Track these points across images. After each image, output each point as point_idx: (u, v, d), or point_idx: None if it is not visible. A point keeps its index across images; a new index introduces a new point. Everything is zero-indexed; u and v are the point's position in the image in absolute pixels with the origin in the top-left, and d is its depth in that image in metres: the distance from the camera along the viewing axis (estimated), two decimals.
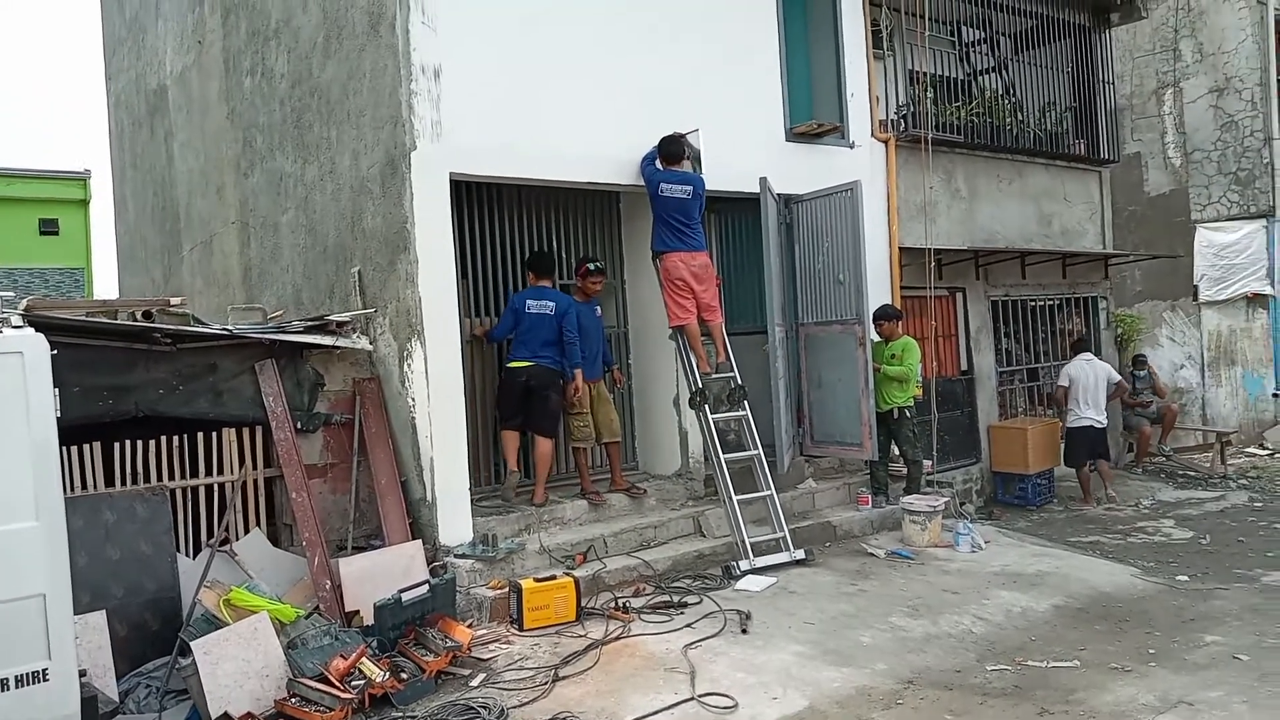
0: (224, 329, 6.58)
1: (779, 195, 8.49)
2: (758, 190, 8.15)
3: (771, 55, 8.78)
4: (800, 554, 7.45)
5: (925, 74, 10.24)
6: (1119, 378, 11.19)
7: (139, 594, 5.78)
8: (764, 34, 8.73)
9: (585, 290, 7.88)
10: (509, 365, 7.53)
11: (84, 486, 6.00)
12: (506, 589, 6.38)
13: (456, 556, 6.66)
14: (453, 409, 6.88)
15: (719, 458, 7.56)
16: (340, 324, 6.98)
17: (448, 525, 6.77)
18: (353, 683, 5.05)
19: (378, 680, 5.09)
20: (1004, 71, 11.65)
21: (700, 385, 7.75)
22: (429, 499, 6.80)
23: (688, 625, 6.11)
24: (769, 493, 7.67)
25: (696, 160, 7.93)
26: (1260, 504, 10.50)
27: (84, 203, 22.86)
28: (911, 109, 10.28)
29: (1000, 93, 11.40)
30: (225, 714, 4.90)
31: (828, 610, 6.43)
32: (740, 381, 7.98)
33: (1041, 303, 12.04)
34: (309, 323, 7.00)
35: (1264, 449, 13.87)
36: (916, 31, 10.17)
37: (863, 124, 9.54)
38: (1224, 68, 14.71)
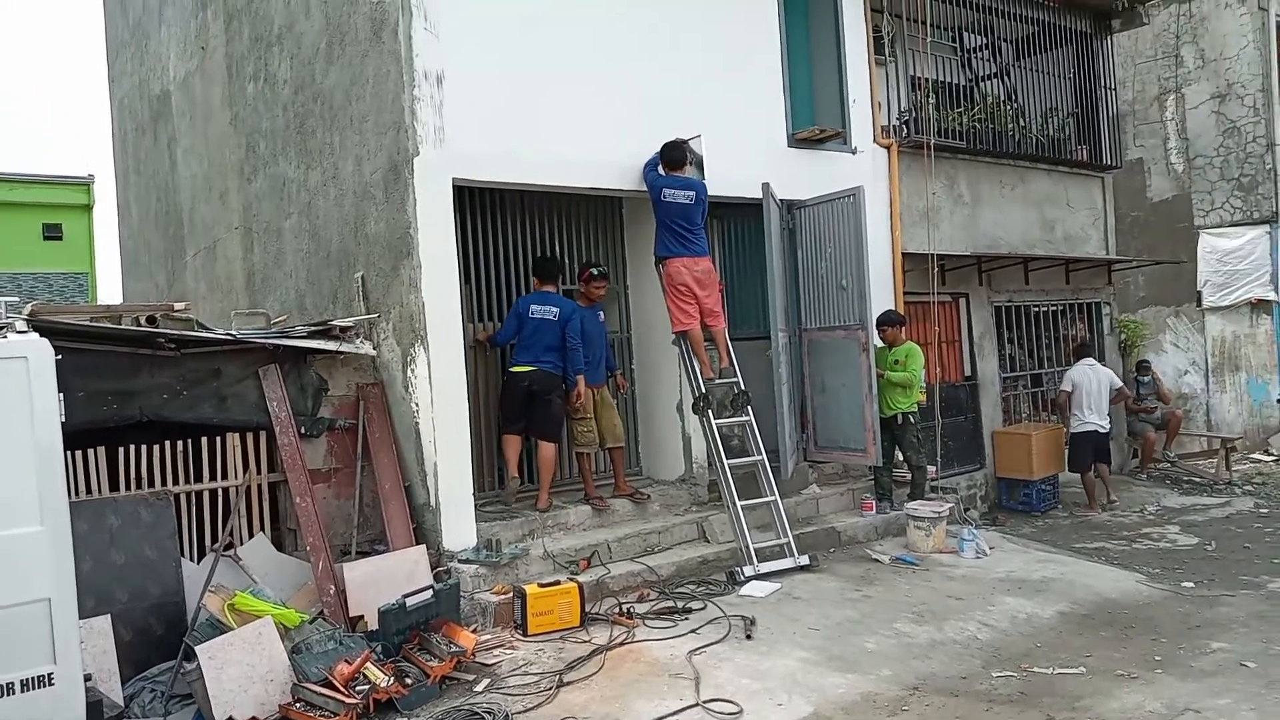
0: (228, 334, 6.59)
1: (781, 201, 8.50)
2: (760, 196, 8.16)
3: (773, 61, 8.79)
4: (804, 560, 7.44)
5: (927, 80, 10.25)
6: (1121, 383, 11.18)
7: (144, 598, 5.77)
8: (765, 40, 8.74)
9: (588, 295, 7.89)
10: (511, 369, 7.54)
11: (89, 491, 5.99)
12: (510, 594, 6.37)
13: (460, 561, 6.65)
14: (456, 414, 6.87)
15: (723, 463, 7.55)
16: (344, 329, 6.98)
17: (451, 530, 6.77)
18: (357, 688, 5.04)
19: (382, 685, 5.08)
20: (1006, 77, 11.67)
21: (704, 390, 7.74)
22: (433, 504, 6.80)
23: (692, 631, 6.10)
24: (773, 498, 7.66)
25: (699, 166, 7.94)
26: (1266, 510, 10.47)
27: (88, 208, 22.88)
28: (914, 115, 10.29)
29: (1002, 98, 11.41)
30: (230, 718, 4.90)
31: (832, 616, 6.42)
32: (744, 387, 7.97)
33: (1045, 308, 12.03)
34: (312, 328, 7.00)
35: (1269, 455, 13.83)
36: (918, 37, 10.17)
37: (865, 130, 9.55)
38: (1226, 74, 14.72)
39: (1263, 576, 7.64)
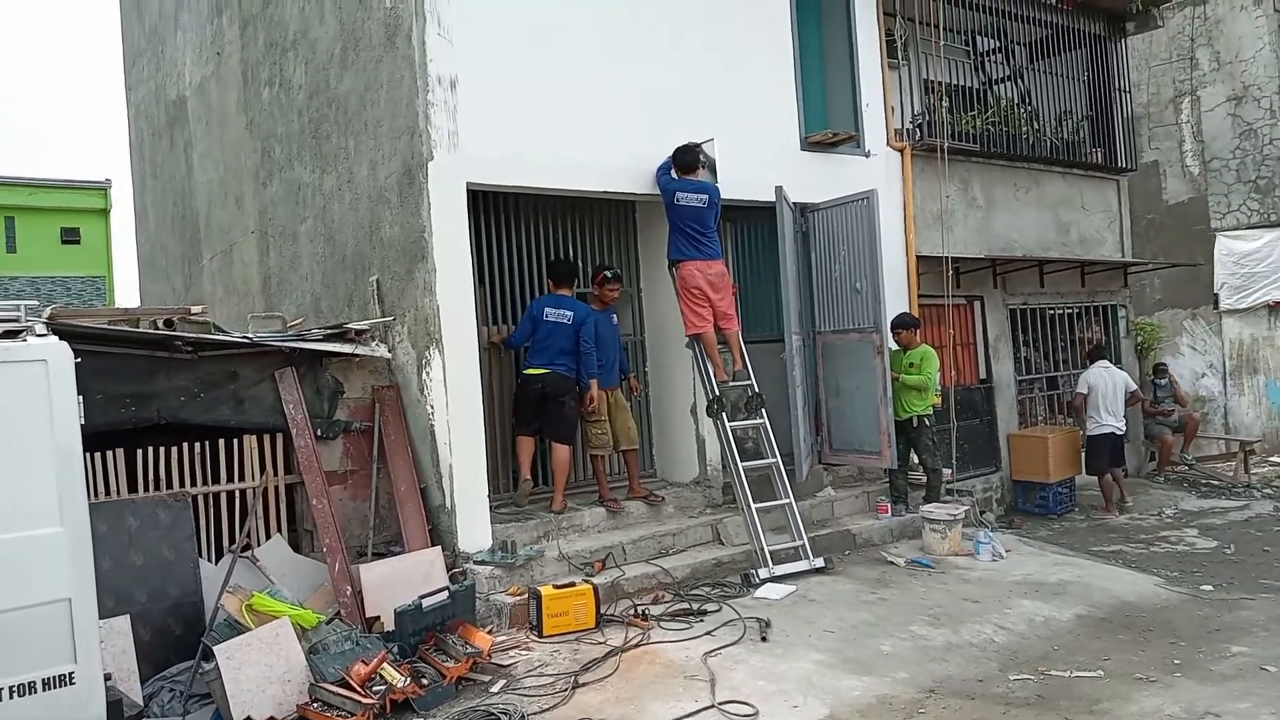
0: (244, 337, 6.62)
1: (795, 204, 8.50)
2: (773, 199, 8.16)
3: (786, 65, 8.79)
4: (819, 562, 7.43)
5: (940, 83, 10.24)
6: (1135, 386, 11.13)
7: (162, 599, 5.81)
8: (778, 43, 8.74)
9: (602, 298, 7.90)
10: (525, 372, 7.56)
11: (108, 492, 6.03)
12: (526, 595, 6.38)
13: (476, 563, 6.67)
14: (471, 416, 6.89)
15: (737, 466, 7.55)
16: (359, 332, 7.01)
17: (467, 532, 6.78)
18: (374, 688, 5.06)
19: (399, 686, 5.10)
20: (1019, 80, 11.64)
21: (717, 393, 7.74)
22: (448, 505, 6.82)
23: (707, 633, 6.10)
24: (788, 501, 7.65)
25: (712, 169, 7.94)
26: None
27: (105, 212, 23.08)
28: (927, 118, 10.28)
29: (1016, 101, 11.39)
30: (248, 718, 4.92)
31: (848, 619, 6.41)
32: (758, 389, 7.97)
33: (1060, 311, 11.99)
34: (328, 331, 7.03)
35: None
36: (931, 41, 10.16)
37: (878, 133, 9.54)
38: (1241, 76, 14.66)
39: None
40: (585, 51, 7.54)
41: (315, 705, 5.02)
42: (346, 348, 6.89)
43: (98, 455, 5.99)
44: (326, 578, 6.38)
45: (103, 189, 22.99)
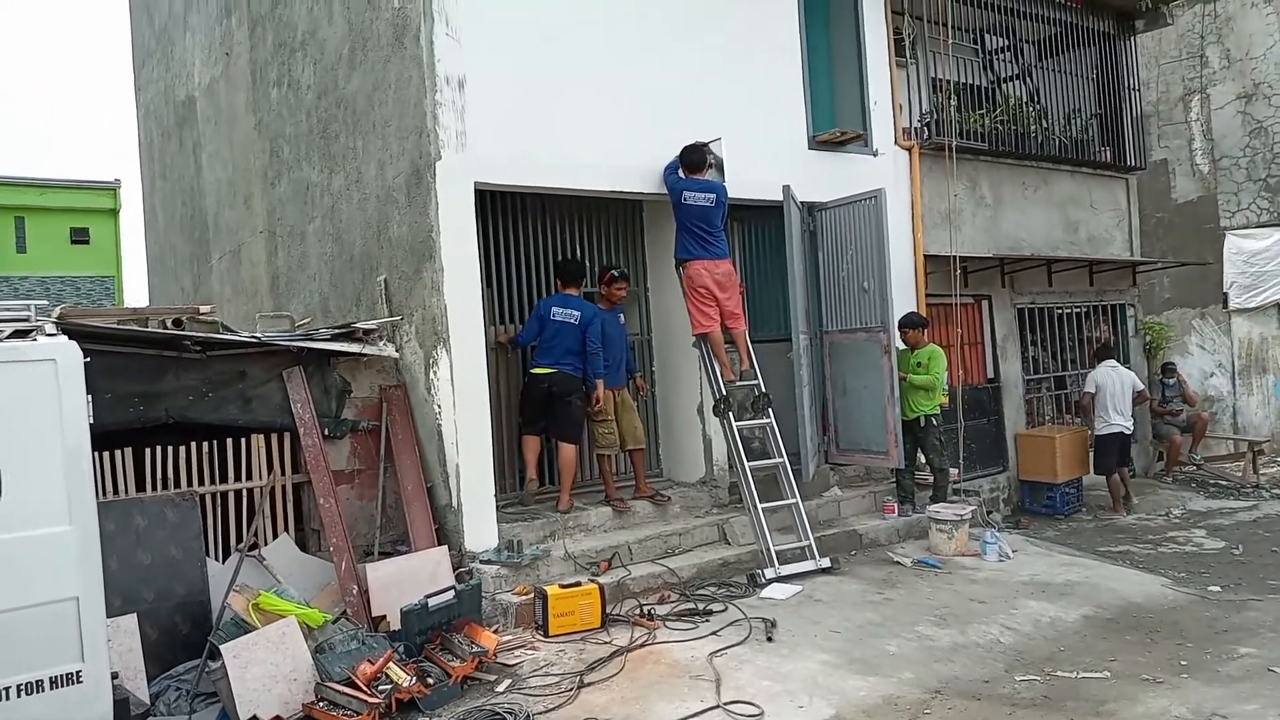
0: (253, 336, 6.65)
1: (802, 203, 8.49)
2: (781, 198, 8.14)
3: (794, 63, 8.78)
4: (826, 562, 7.42)
5: (949, 81, 10.22)
6: (1142, 385, 11.10)
7: (169, 598, 5.84)
8: (786, 42, 8.73)
9: (610, 297, 7.91)
10: (532, 371, 7.57)
11: (116, 491, 6.06)
12: (532, 595, 6.40)
13: (482, 562, 6.68)
14: (478, 415, 6.91)
15: (743, 465, 7.55)
16: (367, 332, 7.03)
17: (473, 531, 6.80)
18: (380, 687, 5.07)
19: (404, 685, 5.11)
20: (1028, 79, 11.61)
21: (724, 393, 7.74)
22: (455, 505, 6.83)
23: (713, 633, 6.10)
24: (794, 500, 7.65)
25: (719, 168, 7.93)
26: None
27: (114, 212, 23.13)
28: (935, 116, 10.26)
29: (1025, 100, 11.36)
30: (254, 717, 4.94)
31: (854, 619, 6.40)
32: (764, 389, 7.97)
33: (1068, 310, 11.95)
34: (336, 330, 7.05)
35: None
36: (939, 39, 10.14)
37: (886, 132, 9.53)
38: (1252, 73, 14.58)
39: None
40: (593, 51, 7.54)
41: (321, 704, 5.04)
42: (354, 347, 6.91)
43: (106, 454, 6.02)
44: (333, 577, 6.40)
45: (112, 189, 23.05)
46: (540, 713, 5.04)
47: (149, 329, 6.24)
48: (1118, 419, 10.54)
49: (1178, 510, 10.52)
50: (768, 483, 7.74)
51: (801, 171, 8.56)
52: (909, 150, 9.72)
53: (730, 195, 7.82)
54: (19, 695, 3.97)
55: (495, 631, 6.04)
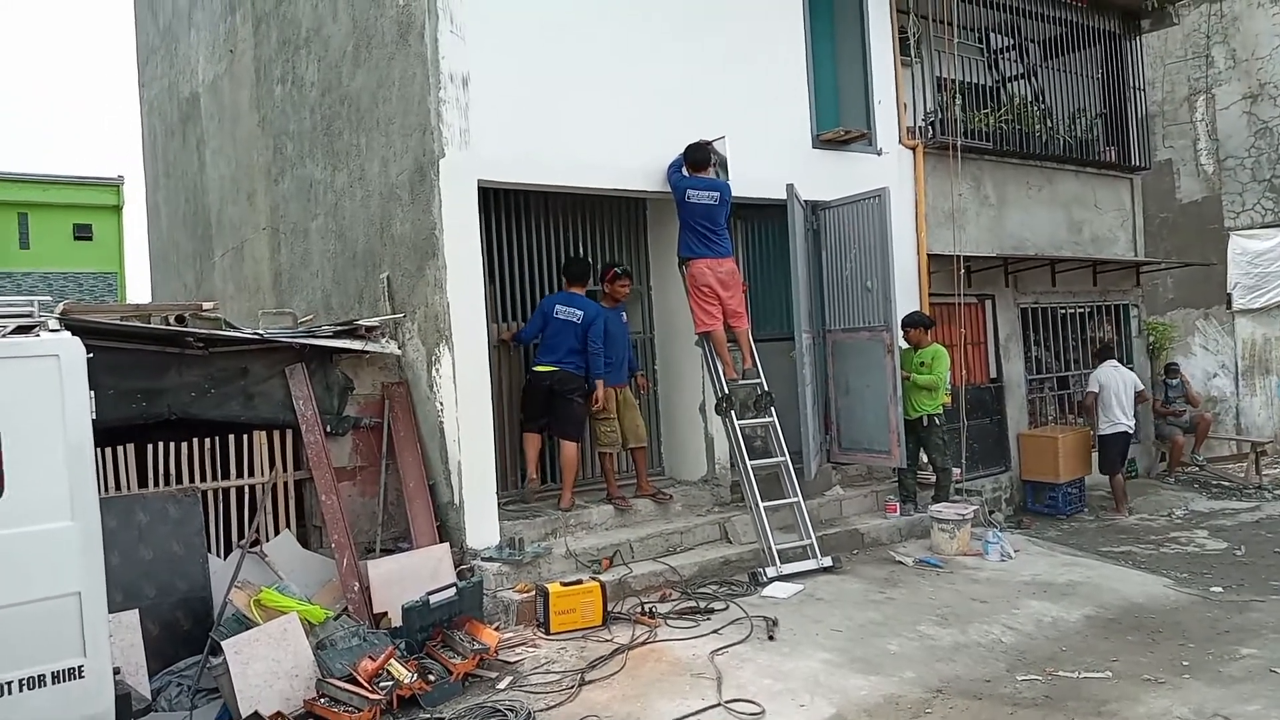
0: (255, 333, 6.66)
1: (806, 202, 8.48)
2: (784, 196, 8.14)
3: (798, 62, 8.77)
4: (827, 561, 7.42)
5: (953, 81, 10.20)
6: (1142, 385, 11.10)
7: (171, 593, 5.85)
8: (790, 41, 8.72)
9: (613, 295, 7.90)
10: (534, 369, 7.57)
11: (118, 487, 6.07)
12: (533, 592, 6.40)
13: (484, 560, 6.69)
14: (480, 413, 6.91)
15: (745, 464, 7.54)
16: (369, 329, 7.04)
17: (475, 528, 6.80)
18: (381, 684, 5.08)
19: (406, 682, 5.12)
20: (1033, 78, 11.58)
21: (726, 391, 7.74)
22: (456, 502, 6.83)
23: (714, 631, 6.10)
24: (796, 499, 7.65)
25: (723, 167, 7.93)
26: None
27: (117, 208, 23.17)
28: (939, 116, 10.24)
29: (1029, 99, 11.33)
30: (255, 713, 4.94)
31: (855, 618, 6.40)
32: (767, 388, 7.97)
33: (1072, 310, 11.93)
34: (338, 327, 7.06)
35: None
36: (944, 38, 10.12)
37: (890, 131, 9.52)
38: (1258, 74, 14.55)
39: None
40: (597, 49, 7.54)
41: (322, 700, 5.04)
42: (357, 344, 6.92)
43: (108, 450, 6.03)
44: (334, 573, 6.41)
45: (115, 185, 23.09)
46: (541, 710, 5.04)
47: (152, 325, 6.25)
48: (1122, 418, 10.54)
49: (1180, 511, 10.51)
50: (770, 481, 7.74)
51: (805, 170, 8.55)
52: (913, 149, 9.71)
53: (734, 194, 7.82)
54: (21, 690, 3.97)
55: (496, 629, 6.05)
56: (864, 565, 7.67)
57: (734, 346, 7.93)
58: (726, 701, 5.05)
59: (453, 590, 5.89)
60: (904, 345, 8.72)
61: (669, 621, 6.27)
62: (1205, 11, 14.94)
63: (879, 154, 9.36)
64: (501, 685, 5.38)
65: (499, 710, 4.97)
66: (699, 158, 7.67)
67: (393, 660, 5.23)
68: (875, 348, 8.42)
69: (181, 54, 12.56)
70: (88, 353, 4.31)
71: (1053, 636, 6.09)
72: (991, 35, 11.28)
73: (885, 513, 8.66)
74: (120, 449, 6.12)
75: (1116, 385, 10.59)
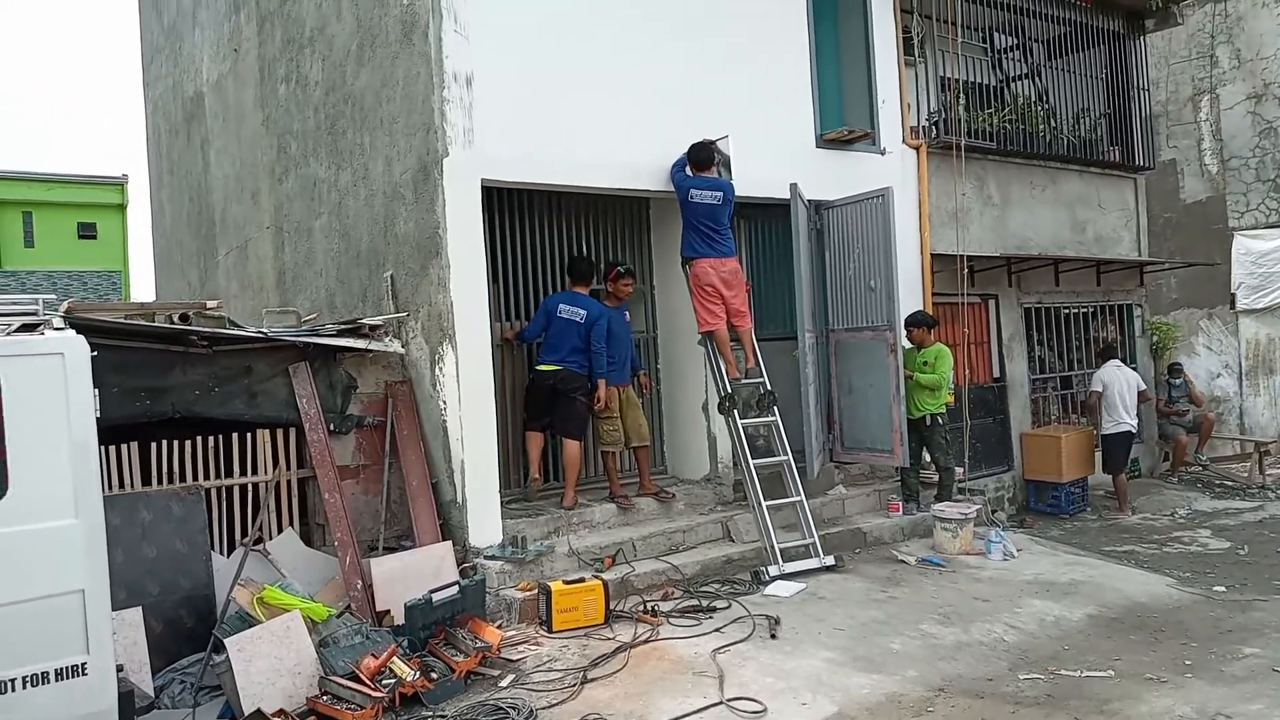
0: (259, 332, 6.66)
1: (809, 201, 8.48)
2: (788, 196, 8.14)
3: (801, 61, 8.77)
4: (830, 560, 7.42)
5: (957, 80, 10.20)
6: (1144, 385, 11.10)
7: (174, 591, 5.86)
8: (794, 40, 8.72)
9: (616, 294, 7.91)
10: (537, 367, 7.58)
11: (122, 485, 6.08)
12: (536, 591, 6.40)
13: (486, 558, 6.70)
14: (483, 412, 6.92)
15: (748, 463, 7.55)
16: (373, 327, 7.04)
17: (478, 527, 6.81)
18: (384, 681, 5.09)
19: (408, 679, 5.13)
20: (1037, 78, 11.57)
21: (729, 391, 7.74)
22: (459, 500, 6.85)
23: (716, 630, 6.10)
24: (798, 498, 7.65)
25: (726, 166, 7.94)
26: None
27: (122, 207, 23.24)
28: (943, 115, 10.24)
29: (1033, 99, 11.32)
30: (258, 711, 4.96)
31: (858, 617, 6.40)
32: (770, 387, 7.97)
33: (1075, 310, 11.93)
34: (342, 326, 7.07)
35: None
36: (948, 38, 10.12)
37: (894, 130, 9.52)
38: (1262, 73, 14.53)
39: None
40: (600, 49, 7.54)
41: (325, 698, 5.05)
42: (360, 343, 6.93)
43: (112, 448, 6.04)
44: (337, 571, 6.42)
45: (120, 184, 23.16)
46: (543, 708, 5.05)
47: (156, 324, 6.26)
48: (1125, 418, 10.55)
49: (1183, 510, 10.51)
50: (772, 480, 7.74)
51: (808, 170, 8.55)
52: (917, 149, 9.71)
53: (737, 193, 7.83)
54: (25, 687, 3.98)
55: (499, 627, 6.06)
56: (866, 564, 7.67)
57: (737, 346, 7.93)
58: (728, 700, 5.06)
59: (455, 588, 5.90)
60: (907, 345, 8.71)
61: (671, 620, 6.28)
62: (1210, 11, 14.92)
63: (882, 154, 9.36)
64: (504, 683, 5.39)
65: (501, 708, 4.98)
66: (702, 157, 7.68)
67: (395, 658, 5.24)
68: (878, 347, 8.41)
69: (186, 53, 12.58)
70: (92, 351, 4.33)
71: (1055, 635, 6.09)
72: (995, 35, 11.27)
73: (888, 512, 8.66)
74: (124, 447, 6.13)
75: (1120, 385, 10.60)
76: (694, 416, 8.61)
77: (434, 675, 5.30)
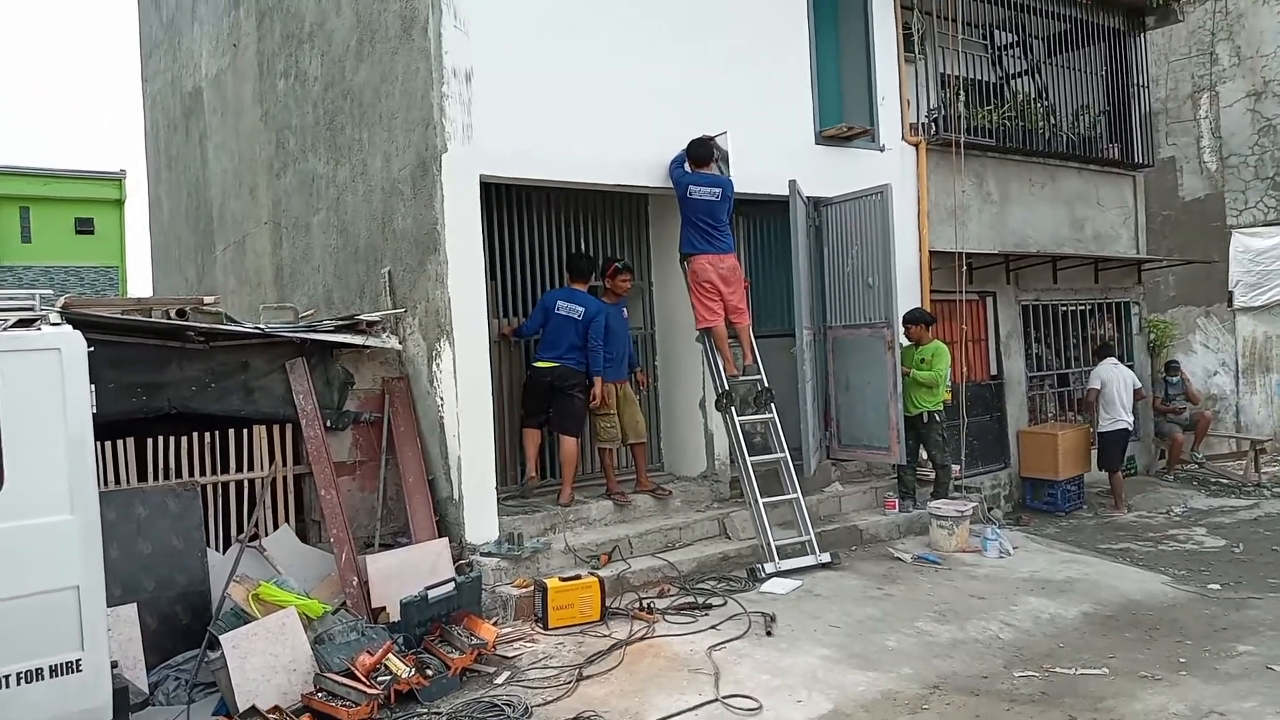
0: (256, 328, 6.66)
1: (808, 198, 8.48)
2: (787, 193, 8.14)
3: (801, 58, 8.76)
4: (826, 557, 7.43)
5: (957, 77, 10.19)
6: (1140, 383, 11.12)
7: (169, 588, 5.86)
8: (793, 37, 8.71)
9: (614, 290, 7.90)
10: (535, 364, 7.58)
11: (118, 481, 6.08)
12: (532, 588, 6.41)
13: (482, 555, 6.70)
14: (480, 409, 6.92)
15: (745, 460, 7.55)
16: (370, 324, 7.04)
17: (474, 524, 6.82)
18: (379, 678, 5.09)
19: (403, 676, 5.13)
20: (1037, 75, 11.56)
21: (727, 387, 7.74)
22: (456, 497, 6.85)
23: (712, 627, 6.11)
24: (795, 496, 7.65)
25: (725, 162, 7.93)
26: None
27: (119, 202, 23.20)
28: (943, 112, 10.23)
29: (1033, 96, 11.31)
30: (253, 707, 4.95)
31: (853, 614, 6.41)
32: (767, 384, 7.97)
33: (1073, 308, 11.92)
34: (339, 322, 7.07)
35: None
36: (948, 35, 10.11)
37: (893, 127, 9.51)
38: (1262, 71, 14.52)
39: None
40: (599, 45, 7.53)
41: (320, 695, 5.06)
42: (357, 339, 6.93)
43: (109, 444, 6.04)
44: (333, 568, 6.42)
45: (117, 179, 23.13)
46: (539, 705, 5.05)
47: (153, 319, 6.26)
48: (1123, 416, 10.56)
49: (1179, 508, 10.52)
50: (769, 477, 7.75)
51: (807, 166, 8.54)
52: (916, 146, 9.70)
53: (736, 189, 7.82)
54: (19, 683, 3.98)
55: (495, 624, 6.06)
56: (863, 561, 7.68)
57: (735, 342, 7.93)
58: (724, 697, 5.06)
59: (451, 585, 5.90)
60: (905, 342, 8.72)
61: (667, 617, 6.28)
62: (1210, 8, 14.90)
63: (882, 150, 9.35)
64: (499, 680, 5.40)
65: (496, 705, 4.98)
66: (701, 153, 7.67)
67: (391, 655, 5.25)
68: (876, 344, 8.42)
69: (185, 48, 12.56)
70: (89, 346, 4.33)
71: (1050, 633, 6.10)
72: (995, 32, 11.26)
73: (884, 509, 8.67)
74: (120, 443, 6.13)
75: (1118, 382, 10.62)
76: (691, 413, 8.61)
77: (429, 672, 5.30)
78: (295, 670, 5.18)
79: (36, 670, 4.02)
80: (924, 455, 8.90)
